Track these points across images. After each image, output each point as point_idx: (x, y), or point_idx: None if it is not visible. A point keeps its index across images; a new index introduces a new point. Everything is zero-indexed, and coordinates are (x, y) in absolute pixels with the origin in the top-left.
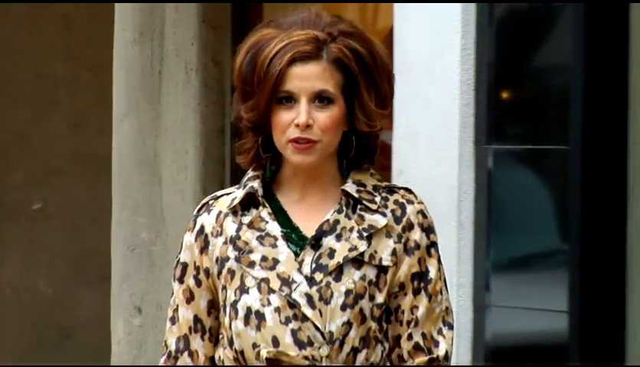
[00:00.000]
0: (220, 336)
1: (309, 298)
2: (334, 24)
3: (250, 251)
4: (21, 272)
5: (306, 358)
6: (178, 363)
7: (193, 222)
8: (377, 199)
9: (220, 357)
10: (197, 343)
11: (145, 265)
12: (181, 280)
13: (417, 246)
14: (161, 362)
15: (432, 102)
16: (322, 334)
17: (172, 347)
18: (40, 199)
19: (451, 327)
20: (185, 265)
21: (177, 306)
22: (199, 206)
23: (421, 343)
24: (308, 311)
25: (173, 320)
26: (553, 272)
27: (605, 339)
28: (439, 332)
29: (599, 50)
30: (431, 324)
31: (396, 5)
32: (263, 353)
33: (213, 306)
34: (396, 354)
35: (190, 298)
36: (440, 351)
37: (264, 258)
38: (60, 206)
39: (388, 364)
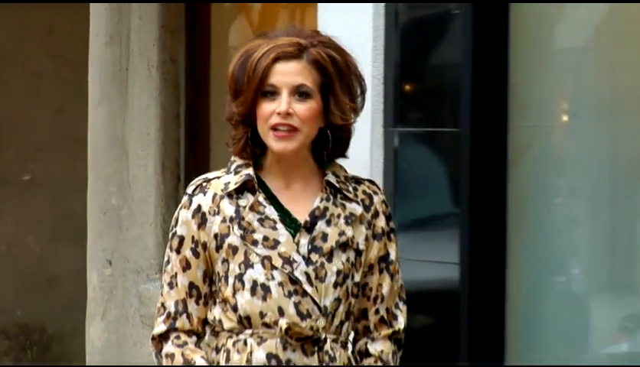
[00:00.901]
0: (219, 300)
1: (307, 276)
2: (314, 35)
3: (253, 231)
4: (14, 231)
5: (310, 328)
6: (177, 324)
7: (188, 201)
8: (350, 188)
9: (215, 318)
10: (192, 307)
11: (114, 226)
12: (178, 251)
13: (383, 232)
14: (160, 320)
15: None
16: (319, 308)
17: (172, 309)
18: (29, 172)
19: (405, 302)
20: (182, 238)
21: (176, 273)
22: (193, 188)
23: (385, 317)
24: (308, 288)
25: (171, 285)
26: (447, 231)
27: (489, 285)
28: (396, 306)
29: (484, 50)
30: (391, 300)
31: (320, 16)
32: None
33: (207, 275)
34: (362, 325)
35: (186, 267)
36: (400, 324)
37: (265, 238)
38: (46, 178)
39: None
